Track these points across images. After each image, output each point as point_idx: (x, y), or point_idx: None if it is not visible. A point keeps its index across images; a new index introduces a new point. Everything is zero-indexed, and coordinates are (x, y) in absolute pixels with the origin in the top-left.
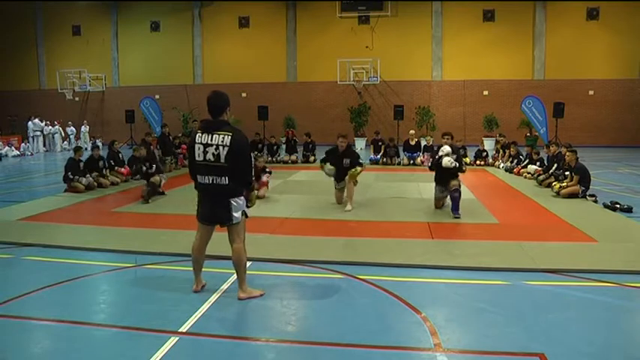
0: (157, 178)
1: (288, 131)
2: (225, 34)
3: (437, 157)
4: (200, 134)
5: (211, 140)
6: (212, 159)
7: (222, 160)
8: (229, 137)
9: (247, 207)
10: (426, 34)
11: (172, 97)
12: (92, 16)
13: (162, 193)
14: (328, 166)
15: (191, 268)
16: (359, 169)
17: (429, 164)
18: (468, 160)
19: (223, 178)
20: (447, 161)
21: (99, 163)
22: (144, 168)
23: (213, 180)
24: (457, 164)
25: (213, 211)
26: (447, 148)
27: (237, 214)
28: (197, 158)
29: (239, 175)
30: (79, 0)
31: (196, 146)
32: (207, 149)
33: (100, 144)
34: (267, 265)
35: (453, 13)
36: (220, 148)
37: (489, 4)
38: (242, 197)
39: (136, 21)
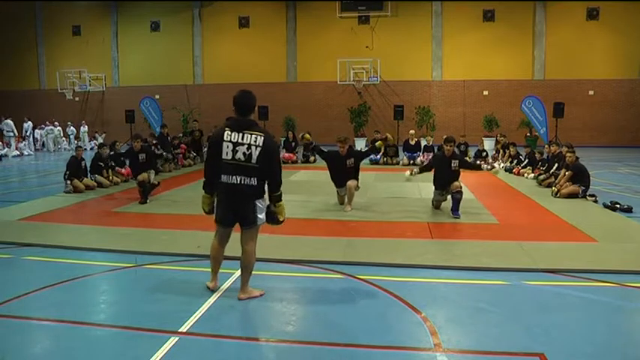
0: (144, 175)
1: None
2: (225, 34)
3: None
4: (229, 132)
5: (242, 139)
6: (242, 158)
7: (254, 160)
8: (262, 138)
9: (280, 222)
10: (426, 34)
11: (172, 97)
12: (92, 16)
13: (156, 185)
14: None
15: (191, 268)
16: (378, 144)
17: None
18: (469, 158)
19: (253, 178)
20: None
21: (107, 161)
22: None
23: (241, 180)
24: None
25: (237, 212)
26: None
27: (261, 216)
28: (225, 157)
29: (269, 176)
30: (79, 0)
31: (224, 144)
32: (237, 148)
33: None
34: (267, 265)
35: (453, 13)
36: (252, 148)
37: (489, 4)
38: (265, 198)
39: (136, 21)
